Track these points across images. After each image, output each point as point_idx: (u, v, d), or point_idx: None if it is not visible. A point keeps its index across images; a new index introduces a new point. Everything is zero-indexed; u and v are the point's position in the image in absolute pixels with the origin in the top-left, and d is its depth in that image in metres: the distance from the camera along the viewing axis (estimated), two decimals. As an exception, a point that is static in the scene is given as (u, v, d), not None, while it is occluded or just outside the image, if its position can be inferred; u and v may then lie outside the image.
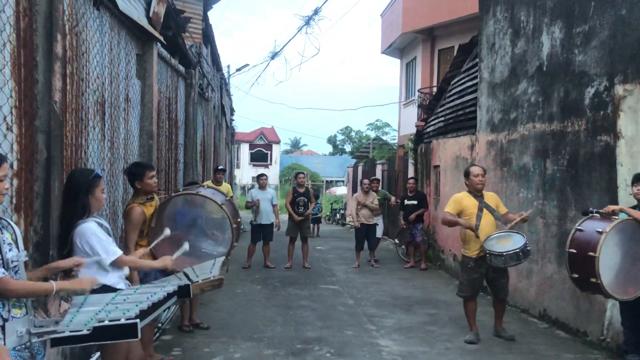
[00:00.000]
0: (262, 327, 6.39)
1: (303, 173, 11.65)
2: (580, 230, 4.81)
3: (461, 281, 6.10)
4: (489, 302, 6.60)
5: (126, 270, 3.70)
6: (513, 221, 5.73)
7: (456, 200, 5.98)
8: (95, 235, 3.38)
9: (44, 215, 3.64)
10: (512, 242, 5.60)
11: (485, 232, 5.73)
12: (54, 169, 3.66)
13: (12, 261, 2.59)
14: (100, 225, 3.53)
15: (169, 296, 3.14)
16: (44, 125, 3.58)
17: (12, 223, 2.71)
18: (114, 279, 3.53)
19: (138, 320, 2.62)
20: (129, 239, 4.53)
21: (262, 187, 10.71)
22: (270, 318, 6.83)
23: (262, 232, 10.50)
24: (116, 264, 3.51)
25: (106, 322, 2.58)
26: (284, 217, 11.68)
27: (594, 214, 4.90)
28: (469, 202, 5.90)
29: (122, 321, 2.60)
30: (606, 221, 4.71)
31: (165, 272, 4.43)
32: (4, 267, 2.53)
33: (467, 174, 6.05)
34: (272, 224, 10.53)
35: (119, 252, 3.51)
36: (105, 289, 3.35)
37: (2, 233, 2.59)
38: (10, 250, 2.60)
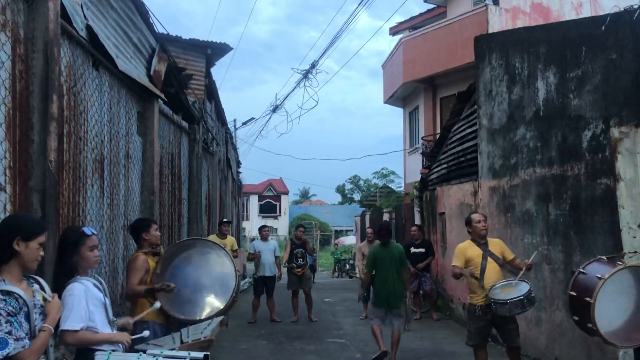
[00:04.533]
0: (265, 384, 6.24)
1: (303, 227, 11.50)
2: (583, 273, 4.71)
3: (469, 329, 5.96)
4: (500, 352, 6.42)
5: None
6: (519, 270, 5.64)
7: (461, 252, 5.92)
8: (70, 297, 3.10)
9: (39, 274, 3.62)
10: (516, 290, 5.48)
11: (491, 281, 5.63)
12: (48, 228, 3.67)
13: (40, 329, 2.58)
14: (96, 286, 3.31)
15: None
16: (39, 184, 3.61)
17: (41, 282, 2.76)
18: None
19: None
20: (129, 283, 4.59)
21: (265, 238, 10.69)
22: (274, 374, 6.67)
23: (265, 286, 10.38)
24: (66, 336, 3.04)
25: None
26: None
27: (602, 258, 4.81)
28: (473, 252, 5.83)
29: None
30: (611, 265, 4.60)
31: (163, 329, 4.41)
32: (30, 337, 2.49)
33: (469, 222, 6.00)
34: (274, 276, 10.43)
35: (75, 327, 3.05)
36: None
37: (33, 297, 2.56)
38: (40, 314, 2.58)
